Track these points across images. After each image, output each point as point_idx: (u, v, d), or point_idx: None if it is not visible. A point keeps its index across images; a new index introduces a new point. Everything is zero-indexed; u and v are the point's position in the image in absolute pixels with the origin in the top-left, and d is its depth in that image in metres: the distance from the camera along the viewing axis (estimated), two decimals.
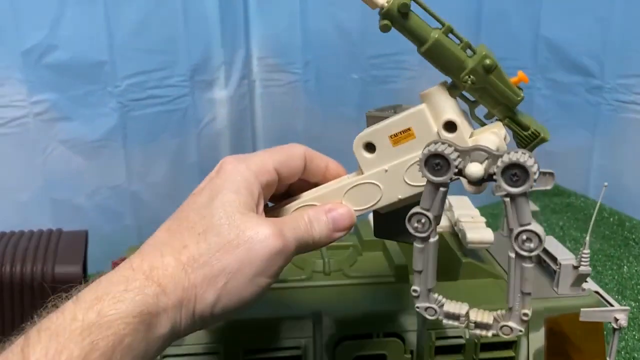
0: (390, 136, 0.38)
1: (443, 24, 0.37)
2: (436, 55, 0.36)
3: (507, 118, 0.38)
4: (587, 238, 0.51)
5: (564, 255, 0.52)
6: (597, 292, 0.53)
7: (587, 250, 0.51)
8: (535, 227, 0.32)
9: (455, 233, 0.59)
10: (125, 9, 1.06)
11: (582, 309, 0.50)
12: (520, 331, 0.34)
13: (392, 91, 1.26)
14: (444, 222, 0.62)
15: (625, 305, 0.78)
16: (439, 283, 0.53)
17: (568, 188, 1.22)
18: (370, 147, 0.39)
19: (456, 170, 0.32)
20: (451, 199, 0.62)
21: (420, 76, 1.25)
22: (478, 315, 0.35)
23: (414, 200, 0.39)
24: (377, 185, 0.39)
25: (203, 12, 1.17)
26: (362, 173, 0.40)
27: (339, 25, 1.20)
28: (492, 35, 1.23)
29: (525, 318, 0.34)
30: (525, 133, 0.37)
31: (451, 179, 0.32)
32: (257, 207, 0.38)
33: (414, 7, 0.36)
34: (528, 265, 0.33)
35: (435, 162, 0.33)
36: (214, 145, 1.22)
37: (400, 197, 0.39)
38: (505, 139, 0.37)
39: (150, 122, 1.14)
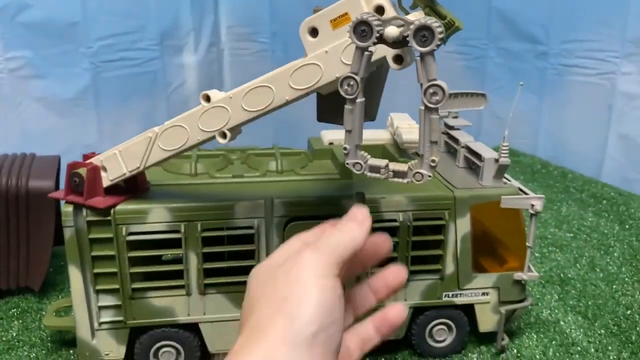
0: (331, 20, 0.44)
1: None
2: None
3: (427, 7, 0.44)
4: (506, 132, 0.58)
5: (487, 153, 0.59)
6: (516, 187, 0.60)
7: (505, 144, 0.58)
8: (441, 82, 0.38)
9: (395, 143, 0.66)
10: None
11: (502, 197, 0.57)
12: (429, 176, 0.40)
13: None
14: (385, 136, 0.69)
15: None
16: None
17: (517, 149, 1.30)
18: (314, 31, 0.44)
19: (378, 35, 0.38)
20: (393, 115, 0.69)
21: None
22: (396, 166, 0.42)
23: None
24: (319, 66, 0.45)
25: None
26: (306, 56, 0.45)
27: None
28: (447, 8, 1.31)
29: (433, 164, 0.40)
30: (443, 22, 0.44)
31: (374, 43, 0.38)
32: None
33: None
34: (434, 116, 0.38)
35: (361, 29, 0.39)
36: (183, 109, 1.26)
37: (337, 75, 0.44)
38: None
39: (121, 84, 1.19)
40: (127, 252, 0.53)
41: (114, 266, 0.54)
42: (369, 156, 0.42)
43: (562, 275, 0.79)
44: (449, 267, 0.59)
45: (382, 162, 0.41)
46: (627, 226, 0.94)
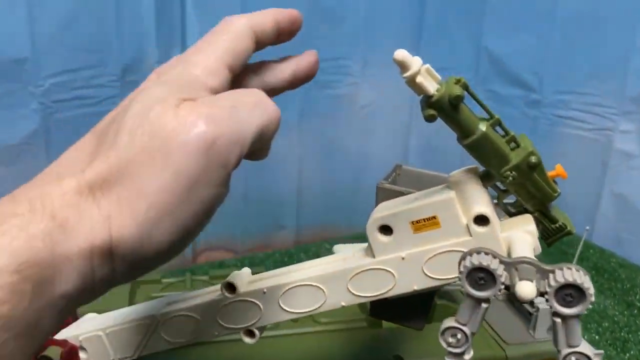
0: (412, 222, 0.34)
1: (492, 116, 0.33)
2: (480, 149, 0.33)
3: (538, 211, 0.35)
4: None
5: (540, 298, 0.51)
6: None
7: None
8: (584, 347, 0.29)
9: None
10: (50, 0, 0.96)
11: None
12: None
13: (334, 97, 1.23)
14: None
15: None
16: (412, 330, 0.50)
17: (507, 201, 1.24)
18: (386, 229, 0.35)
19: (502, 286, 0.29)
20: None
21: (362, 82, 1.23)
22: None
23: (432, 289, 0.35)
24: (391, 273, 0.35)
25: (137, 7, 1.08)
26: (374, 256, 0.35)
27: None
28: (434, 45, 1.23)
29: None
30: (553, 226, 0.35)
31: (495, 296, 0.29)
32: None
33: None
34: None
35: (478, 275, 0.29)
36: None
37: (416, 288, 0.35)
38: (537, 235, 0.35)
39: (76, 126, 1.04)
40: None
41: None
42: None
43: None
44: None
45: None
46: (635, 311, 0.89)
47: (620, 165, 1.11)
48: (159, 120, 0.25)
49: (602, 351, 0.51)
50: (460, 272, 0.29)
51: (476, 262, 0.28)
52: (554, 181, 0.35)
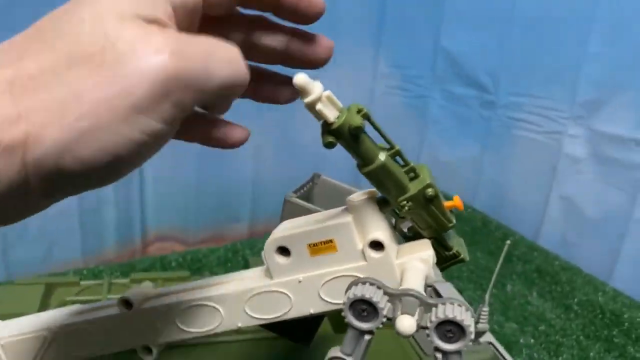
0: (309, 245, 0.33)
1: (393, 147, 0.32)
2: (379, 177, 0.32)
3: (433, 239, 0.35)
4: (487, 296, 0.50)
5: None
6: (490, 343, 0.53)
7: (486, 308, 0.50)
8: None
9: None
10: None
11: None
12: None
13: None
14: None
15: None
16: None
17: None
18: (284, 251, 0.35)
19: (384, 319, 0.29)
20: None
21: (321, 77, 1.22)
22: None
23: (328, 312, 0.35)
24: (288, 296, 0.35)
25: None
26: (271, 278, 0.35)
27: None
28: (393, 42, 1.23)
29: None
30: (447, 253, 0.35)
31: (377, 328, 0.29)
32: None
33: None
34: None
35: (361, 307, 0.29)
36: None
37: (312, 311, 0.35)
38: (432, 262, 0.35)
39: None
40: None
41: None
42: None
43: None
44: None
45: None
46: (572, 315, 0.91)
47: (568, 169, 1.13)
48: (117, 35, 0.23)
49: None
50: (343, 303, 0.29)
51: (359, 294, 0.28)
52: (451, 211, 0.35)
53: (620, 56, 1.02)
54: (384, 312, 0.28)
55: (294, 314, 0.35)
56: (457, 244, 0.36)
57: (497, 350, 0.53)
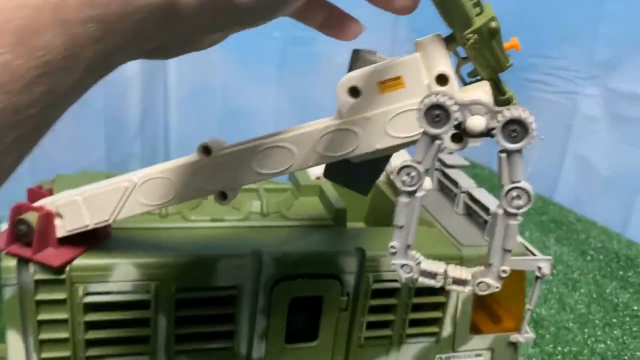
0: (379, 82, 0.35)
1: None
2: (448, 6, 0.34)
3: (491, 80, 0.37)
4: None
5: (495, 205, 0.54)
6: (522, 243, 0.56)
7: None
8: (525, 184, 0.32)
9: (391, 182, 0.59)
10: None
11: (510, 257, 0.52)
12: (497, 287, 0.34)
13: (312, 53, 1.24)
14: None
15: None
16: (376, 228, 0.52)
17: (474, 160, 1.28)
18: (354, 91, 0.36)
19: (455, 122, 0.31)
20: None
21: (340, 42, 1.25)
22: (456, 271, 0.35)
23: (389, 152, 0.37)
24: (356, 133, 0.37)
25: None
26: (341, 117, 0.37)
27: None
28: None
29: (503, 275, 0.34)
30: (502, 98, 0.37)
31: (449, 133, 0.31)
32: None
33: None
34: (514, 222, 0.33)
35: (435, 113, 0.31)
36: (121, 94, 1.14)
37: (378, 147, 0.37)
38: (491, 94, 0.37)
39: None
40: (83, 316, 0.44)
41: (65, 331, 0.44)
42: (421, 257, 0.35)
43: (535, 314, 0.77)
44: (447, 330, 0.54)
45: (439, 267, 0.34)
46: (588, 257, 0.93)
47: (583, 129, 1.15)
48: None
49: (551, 257, 0.55)
50: (418, 110, 0.31)
51: (434, 100, 0.31)
52: (508, 54, 0.38)
53: (637, 14, 1.05)
54: (456, 115, 0.31)
55: (361, 150, 0.37)
56: (510, 92, 0.38)
57: (527, 247, 0.55)
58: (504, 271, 0.33)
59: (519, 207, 0.31)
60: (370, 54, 0.37)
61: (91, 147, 1.10)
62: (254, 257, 0.46)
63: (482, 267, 0.34)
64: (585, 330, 0.75)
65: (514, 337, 0.56)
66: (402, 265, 0.34)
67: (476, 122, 0.30)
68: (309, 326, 0.50)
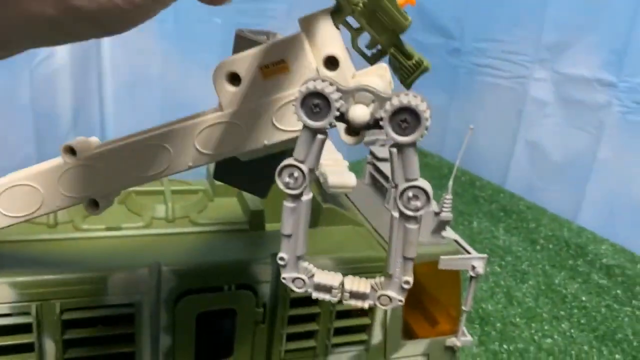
0: (261, 67, 0.31)
1: None
2: None
3: (393, 46, 0.33)
4: (450, 183, 0.49)
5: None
6: (455, 241, 0.52)
7: (449, 196, 0.49)
8: (423, 183, 0.27)
9: (318, 183, 0.55)
10: None
11: (441, 257, 0.49)
12: (400, 301, 0.29)
13: None
14: None
15: None
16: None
17: (424, 148, 1.24)
18: (234, 78, 0.31)
19: (337, 113, 0.26)
20: None
21: (287, 26, 1.19)
22: (354, 284, 0.30)
23: (282, 148, 0.32)
24: (239, 126, 0.32)
25: None
26: (222, 110, 0.32)
27: None
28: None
29: (406, 286, 0.29)
30: (410, 62, 0.33)
31: (331, 124, 0.26)
32: None
33: None
34: (412, 226, 0.28)
35: (314, 102, 0.26)
36: (50, 85, 1.06)
37: (266, 143, 0.32)
38: (390, 83, 0.33)
39: None
40: None
41: None
42: (314, 269, 0.30)
43: (481, 310, 0.73)
44: (377, 337, 0.50)
45: (334, 279, 0.29)
46: (538, 247, 0.91)
47: (534, 113, 1.13)
48: None
49: (486, 255, 0.51)
50: (294, 101, 0.27)
51: (311, 87, 0.26)
52: (404, 11, 0.33)
53: None
54: (337, 105, 0.26)
55: (248, 146, 0.32)
56: (417, 54, 0.34)
57: (461, 245, 0.51)
58: (406, 282, 0.29)
59: (416, 209, 0.27)
60: (254, 34, 0.32)
61: (18, 146, 1.02)
62: (151, 270, 0.41)
63: (382, 278, 0.29)
64: (533, 325, 0.72)
65: (451, 341, 0.53)
66: (294, 280, 0.29)
67: (359, 113, 0.26)
68: (224, 342, 0.46)
